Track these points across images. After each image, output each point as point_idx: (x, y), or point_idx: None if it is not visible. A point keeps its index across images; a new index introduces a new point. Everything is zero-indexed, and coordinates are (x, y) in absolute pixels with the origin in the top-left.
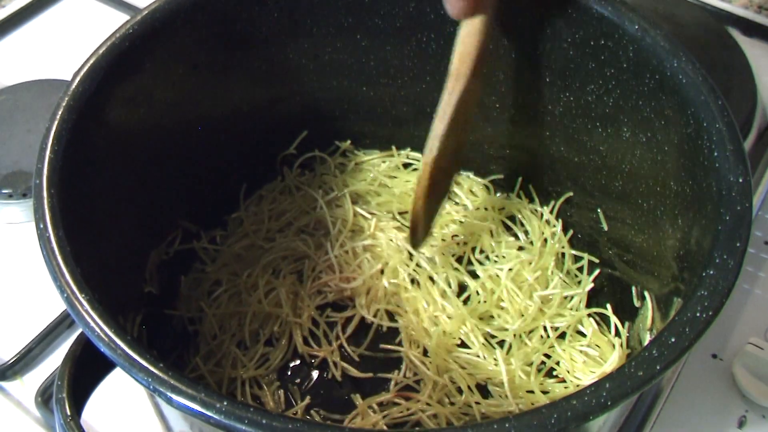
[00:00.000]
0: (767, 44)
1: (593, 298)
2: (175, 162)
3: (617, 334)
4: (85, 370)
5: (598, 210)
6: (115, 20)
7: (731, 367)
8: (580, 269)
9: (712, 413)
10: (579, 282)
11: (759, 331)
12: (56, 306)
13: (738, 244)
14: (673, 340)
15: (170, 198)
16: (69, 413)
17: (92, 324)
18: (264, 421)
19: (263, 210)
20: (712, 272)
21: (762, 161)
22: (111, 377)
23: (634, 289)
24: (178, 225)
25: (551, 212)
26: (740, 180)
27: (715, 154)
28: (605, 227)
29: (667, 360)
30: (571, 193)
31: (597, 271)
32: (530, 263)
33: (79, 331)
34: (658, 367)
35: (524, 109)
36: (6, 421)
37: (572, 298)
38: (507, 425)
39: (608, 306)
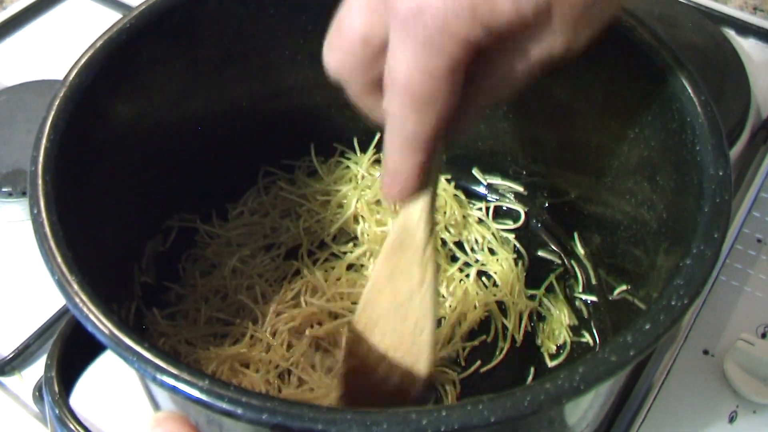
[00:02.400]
0: (762, 45)
1: None
2: (172, 154)
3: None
4: (75, 351)
5: (589, 206)
6: None
7: (722, 363)
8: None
9: (703, 409)
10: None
11: (750, 327)
12: (55, 302)
13: (716, 235)
14: (647, 326)
15: (167, 190)
16: (57, 391)
17: (80, 304)
18: (243, 399)
19: (264, 202)
20: (689, 262)
21: (755, 160)
22: (104, 365)
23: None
24: (175, 216)
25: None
26: (720, 173)
27: (697, 147)
28: (595, 224)
29: (641, 346)
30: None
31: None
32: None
33: None
34: (631, 353)
35: (515, 104)
36: (4, 416)
37: None
38: (480, 407)
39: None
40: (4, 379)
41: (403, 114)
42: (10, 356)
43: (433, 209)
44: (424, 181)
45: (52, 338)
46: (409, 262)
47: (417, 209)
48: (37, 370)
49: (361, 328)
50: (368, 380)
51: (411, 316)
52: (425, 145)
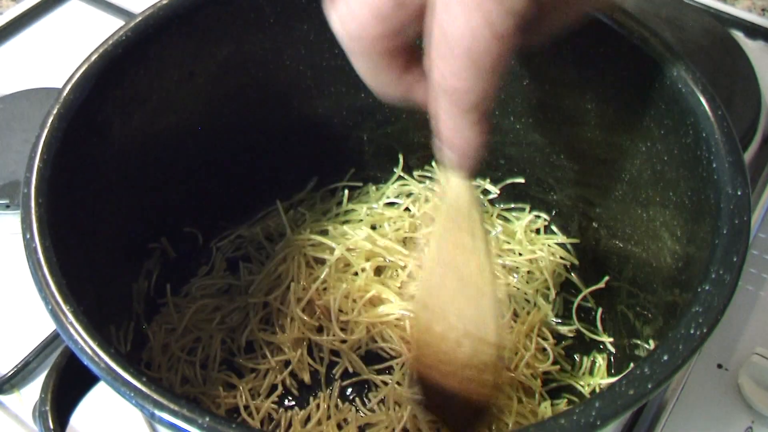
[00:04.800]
0: None
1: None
2: (172, 170)
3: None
4: (71, 383)
5: (599, 220)
6: (115, 28)
7: (737, 378)
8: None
9: (717, 424)
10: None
11: (766, 340)
12: None
13: (735, 259)
14: (665, 357)
15: (167, 207)
16: (52, 427)
17: (75, 336)
18: None
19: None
20: (707, 288)
21: (767, 165)
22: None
23: (629, 299)
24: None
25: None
26: (738, 192)
27: (714, 165)
28: (604, 237)
29: (659, 378)
30: (567, 201)
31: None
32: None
33: None
34: (649, 386)
35: (524, 116)
36: None
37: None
38: None
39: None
40: (3, 398)
41: (463, 82)
42: (9, 374)
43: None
44: (485, 147)
45: (52, 354)
46: (460, 234)
47: (463, 182)
48: (36, 388)
49: (422, 314)
50: (440, 365)
51: (470, 284)
52: (486, 112)
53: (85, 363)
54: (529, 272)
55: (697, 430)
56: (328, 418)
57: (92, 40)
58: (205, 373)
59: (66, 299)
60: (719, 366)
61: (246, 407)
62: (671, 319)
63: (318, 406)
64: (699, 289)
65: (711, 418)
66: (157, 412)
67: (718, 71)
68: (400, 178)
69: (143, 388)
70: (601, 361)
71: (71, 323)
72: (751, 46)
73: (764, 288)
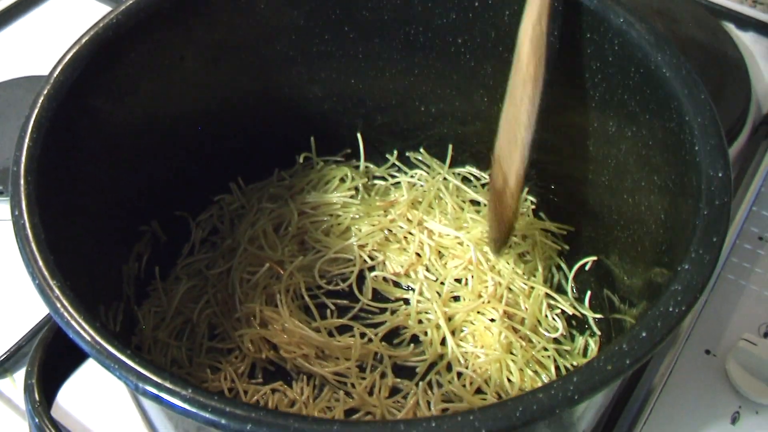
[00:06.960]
0: (762, 38)
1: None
2: (161, 152)
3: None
4: (58, 358)
5: (585, 205)
6: None
7: (725, 363)
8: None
9: (705, 409)
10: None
11: (752, 327)
12: None
13: (715, 239)
14: (644, 334)
15: (156, 188)
16: (38, 399)
17: (61, 310)
18: (227, 409)
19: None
20: (687, 267)
21: (756, 156)
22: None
23: (615, 283)
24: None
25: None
26: (720, 174)
27: (696, 148)
28: (591, 223)
29: (637, 355)
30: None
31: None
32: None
33: None
34: (627, 362)
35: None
36: None
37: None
38: (471, 417)
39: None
40: None
41: None
42: (2, 358)
43: (545, 33)
44: None
45: None
46: (513, 82)
47: (527, 27)
48: None
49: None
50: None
51: (512, 129)
52: None
53: (71, 336)
54: (520, 255)
55: (684, 415)
56: (315, 399)
57: (86, 29)
58: (192, 354)
59: (53, 274)
60: (707, 352)
61: (231, 389)
62: (654, 300)
63: (302, 390)
64: (678, 269)
65: (698, 403)
66: (141, 385)
67: (709, 62)
68: (393, 165)
69: (127, 361)
70: (593, 345)
71: (57, 297)
72: (741, 37)
73: (751, 280)
